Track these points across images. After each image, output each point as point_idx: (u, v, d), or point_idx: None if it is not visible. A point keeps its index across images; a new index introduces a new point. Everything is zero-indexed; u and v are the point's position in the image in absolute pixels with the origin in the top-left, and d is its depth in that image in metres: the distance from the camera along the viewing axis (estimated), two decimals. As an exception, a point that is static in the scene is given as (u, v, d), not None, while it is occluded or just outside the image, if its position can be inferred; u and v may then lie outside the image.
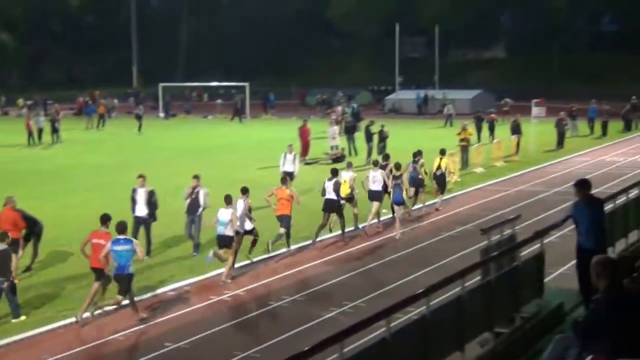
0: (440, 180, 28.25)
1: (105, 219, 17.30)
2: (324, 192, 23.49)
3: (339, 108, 57.35)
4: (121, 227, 16.54)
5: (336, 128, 43.49)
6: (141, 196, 21.50)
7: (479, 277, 12.30)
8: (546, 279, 14.55)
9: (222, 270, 19.43)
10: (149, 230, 21.68)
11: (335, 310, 16.72)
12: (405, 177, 25.33)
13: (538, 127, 43.80)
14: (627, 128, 54.31)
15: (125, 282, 16.25)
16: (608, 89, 77.85)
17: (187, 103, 79.96)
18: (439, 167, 28.25)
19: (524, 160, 40.05)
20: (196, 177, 22.27)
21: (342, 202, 23.64)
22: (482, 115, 50.42)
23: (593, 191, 14.08)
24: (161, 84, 77.16)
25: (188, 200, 21.81)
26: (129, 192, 21.95)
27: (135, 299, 16.73)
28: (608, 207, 16.12)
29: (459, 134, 38.93)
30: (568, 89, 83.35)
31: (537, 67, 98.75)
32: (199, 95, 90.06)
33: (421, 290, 9.91)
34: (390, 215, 25.66)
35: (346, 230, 23.65)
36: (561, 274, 17.77)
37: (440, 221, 25.95)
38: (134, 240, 16.92)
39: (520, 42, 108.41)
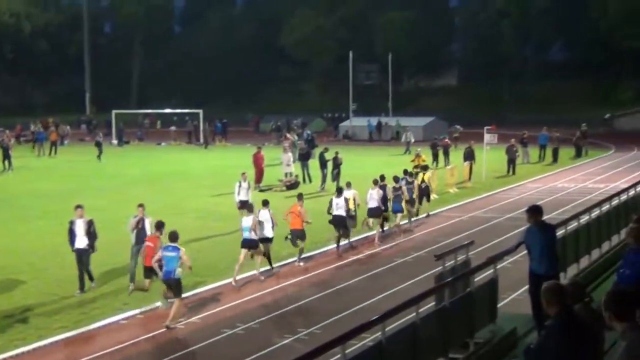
0: (425, 192, 31.13)
1: (160, 225, 19.48)
2: (330, 209, 25.79)
3: (292, 134, 57.38)
4: (173, 236, 18.37)
5: (290, 155, 43.49)
6: (80, 227, 20.68)
7: (433, 303, 12.31)
8: (499, 305, 14.60)
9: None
10: (88, 261, 20.84)
11: (289, 337, 16.63)
12: (405, 189, 28.03)
13: (490, 153, 44.20)
14: (578, 154, 55.04)
15: (175, 286, 18.02)
16: (558, 116, 79.03)
17: (140, 130, 79.52)
18: (422, 181, 31.18)
19: (477, 186, 40.36)
20: (141, 206, 21.40)
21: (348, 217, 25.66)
22: (437, 142, 51.29)
23: (545, 217, 14.19)
24: (114, 111, 76.70)
25: (134, 232, 21.02)
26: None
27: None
28: (560, 232, 16.25)
29: (413, 160, 39.22)
30: (518, 116, 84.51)
31: (488, 94, 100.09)
32: (151, 122, 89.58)
33: (376, 317, 9.87)
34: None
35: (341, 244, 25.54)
36: (514, 300, 17.87)
37: (394, 247, 25.99)
38: (181, 248, 18.21)
39: (471, 70, 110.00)
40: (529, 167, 49.27)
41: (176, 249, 18.08)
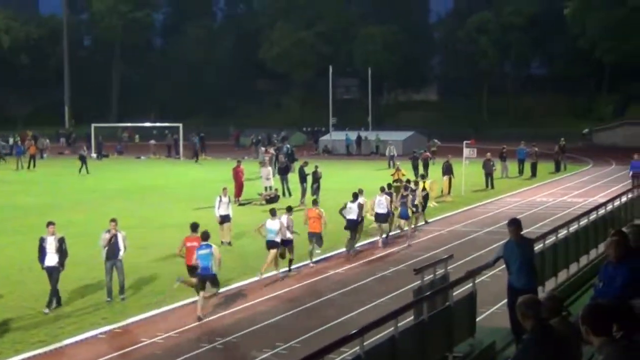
0: (425, 200, 32.80)
1: (195, 227, 21.25)
2: (343, 212, 27.50)
3: (272, 149, 57.42)
4: (205, 235, 20.21)
5: (270, 169, 43.48)
6: (51, 244, 20.34)
7: (412, 317, 12.30)
8: (478, 319, 14.60)
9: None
10: (57, 279, 20.41)
11: (268, 351, 16.57)
12: (410, 198, 29.69)
13: (469, 168, 44.36)
14: (557, 169, 55.35)
15: (212, 280, 19.84)
16: (537, 130, 79.57)
17: (119, 144, 79.29)
18: (423, 189, 33.28)
19: (456, 200, 40.48)
20: (113, 221, 21.20)
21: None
22: (417, 155, 51.59)
23: (523, 231, 14.24)
24: (93, 124, 76.44)
25: (107, 247, 20.79)
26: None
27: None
28: (538, 246, 16.29)
29: (393, 174, 39.30)
30: (498, 131, 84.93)
31: (467, 109, 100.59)
32: (130, 135, 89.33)
33: (355, 331, 9.86)
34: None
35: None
36: (493, 313, 17.90)
37: (374, 261, 25.99)
38: (213, 246, 19.96)
39: (450, 85, 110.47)
40: (508, 181, 49.47)
41: (209, 246, 19.79)
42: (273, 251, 23.27)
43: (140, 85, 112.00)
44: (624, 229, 12.18)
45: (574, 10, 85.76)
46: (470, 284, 13.88)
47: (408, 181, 33.70)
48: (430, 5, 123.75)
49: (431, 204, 37.65)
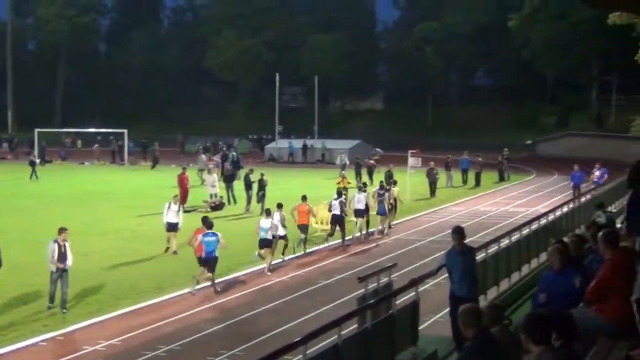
0: (394, 205, 34.00)
1: (205, 220, 23.58)
2: (330, 209, 29.99)
3: (216, 157, 57.17)
4: (208, 224, 23.06)
5: (215, 176, 43.29)
6: None
7: (355, 325, 12.31)
8: (421, 327, 14.68)
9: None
10: None
11: (212, 359, 16.47)
12: (387, 196, 32.13)
13: (413, 177, 44.60)
14: (501, 179, 55.86)
15: (212, 262, 22.38)
16: (481, 140, 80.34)
17: (63, 149, 78.32)
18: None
19: (400, 209, 40.51)
20: (64, 230, 20.57)
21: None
22: (360, 162, 51.87)
23: (467, 240, 14.36)
24: (37, 130, 75.41)
25: (55, 257, 20.09)
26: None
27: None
28: (480, 255, 16.45)
29: (338, 183, 39.29)
30: (443, 140, 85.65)
31: (413, 118, 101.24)
32: (73, 141, 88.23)
33: (298, 339, 9.84)
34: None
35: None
36: (435, 322, 18.00)
37: (318, 269, 25.97)
38: (218, 234, 22.76)
39: (396, 94, 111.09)
40: (452, 190, 49.83)
41: (215, 234, 22.68)
42: (268, 249, 25.33)
43: (85, 91, 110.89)
44: (565, 239, 12.33)
45: (519, 23, 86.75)
46: (414, 293, 13.97)
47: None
48: (377, 14, 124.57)
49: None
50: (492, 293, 17.17)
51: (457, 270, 13.78)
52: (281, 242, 26.41)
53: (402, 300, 13.93)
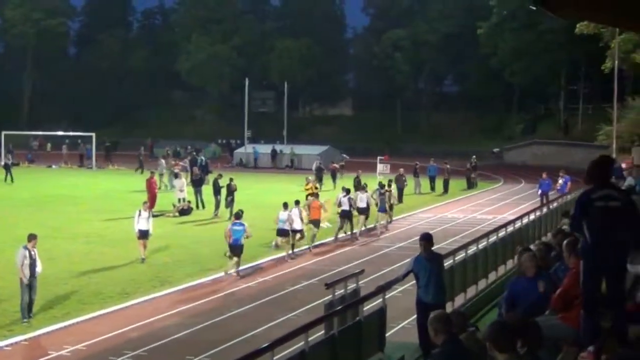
0: (392, 204, 37.07)
1: (238, 215, 26.41)
2: (339, 204, 33.03)
3: (186, 161, 56.91)
4: (237, 215, 26.46)
5: (184, 180, 43.12)
6: None
7: (322, 332, 12.31)
8: (388, 333, 14.71)
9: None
10: None
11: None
12: (387, 195, 35.39)
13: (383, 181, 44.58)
14: (469, 186, 56.02)
15: (239, 249, 25.36)
16: (449, 148, 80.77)
17: (30, 152, 77.70)
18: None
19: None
20: (34, 237, 20.21)
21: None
22: (322, 167, 51.99)
23: (434, 247, 14.39)
24: (4, 132, 74.78)
25: (25, 265, 19.66)
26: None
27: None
28: (448, 262, 16.48)
29: (306, 188, 39.23)
30: (411, 146, 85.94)
31: (381, 124, 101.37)
32: (40, 144, 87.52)
33: (265, 345, 9.82)
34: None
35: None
36: (403, 328, 18.00)
37: (285, 275, 25.93)
38: (245, 224, 25.73)
39: (365, 100, 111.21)
40: (420, 197, 49.92)
41: (242, 224, 25.64)
42: (283, 239, 28.87)
43: (53, 94, 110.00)
44: (531, 247, 12.41)
45: (487, 31, 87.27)
46: (381, 299, 13.98)
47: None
48: (346, 20, 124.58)
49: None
50: (460, 300, 17.23)
51: (425, 277, 13.80)
52: (293, 236, 29.03)
53: (369, 306, 13.95)
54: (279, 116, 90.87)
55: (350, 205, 33.08)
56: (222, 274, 25.45)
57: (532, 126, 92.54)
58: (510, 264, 20.41)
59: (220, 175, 41.32)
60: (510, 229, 22.61)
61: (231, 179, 39.28)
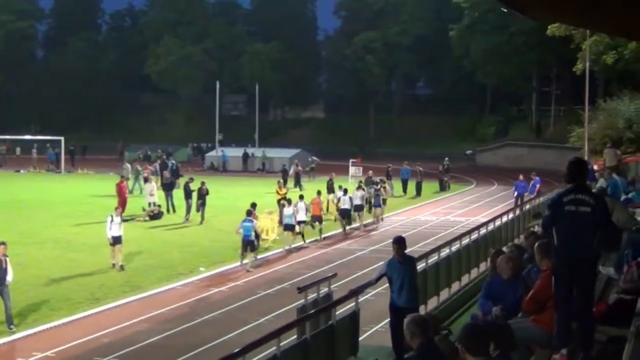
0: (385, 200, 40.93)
1: (250, 211, 28.23)
2: (340, 203, 36.42)
3: (156, 164, 56.67)
4: (248, 212, 28.08)
5: (154, 184, 42.90)
6: None
7: (295, 336, 12.28)
8: (361, 337, 14.70)
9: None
10: None
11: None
12: (383, 191, 39.63)
13: (355, 186, 44.59)
14: (442, 188, 56.14)
15: (251, 244, 27.39)
16: (422, 150, 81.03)
17: (-2, 156, 77.16)
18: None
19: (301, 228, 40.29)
20: (3, 244, 19.97)
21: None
22: (286, 169, 52.10)
23: (407, 250, 14.39)
24: (-29, 137, 74.24)
25: None
26: None
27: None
28: (420, 265, 16.52)
29: (280, 193, 39.08)
30: (384, 149, 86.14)
31: (354, 127, 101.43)
32: (8, 148, 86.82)
33: (237, 350, 9.78)
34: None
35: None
36: (376, 332, 17.98)
37: (257, 280, 25.85)
38: (254, 220, 27.97)
39: (337, 102, 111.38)
40: (393, 200, 49.91)
41: (251, 221, 27.67)
42: (289, 232, 31.16)
43: (21, 97, 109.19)
44: (504, 249, 12.46)
45: (459, 33, 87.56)
46: (354, 303, 13.98)
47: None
48: (318, 23, 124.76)
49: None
50: (433, 303, 17.27)
51: (398, 280, 13.80)
52: (301, 227, 32.09)
53: (342, 310, 13.94)
54: (251, 119, 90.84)
55: (351, 204, 35.95)
56: (245, 261, 27.59)
57: (505, 128, 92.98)
58: (483, 266, 20.49)
59: (192, 179, 41.12)
60: (483, 231, 22.71)
61: (202, 183, 39.14)
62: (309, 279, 22.20)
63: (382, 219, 39.33)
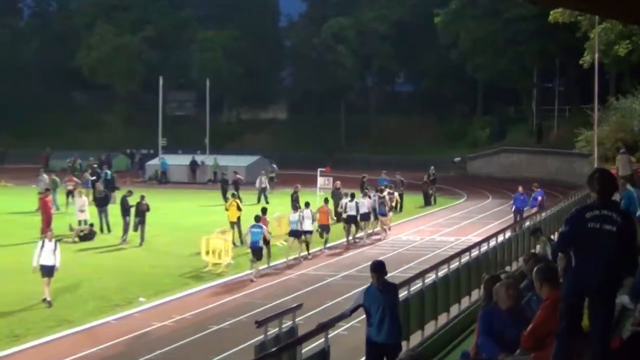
0: (394, 207, 45.63)
1: (259, 217, 31.62)
2: (345, 210, 39.25)
3: (87, 174, 56.23)
4: (256, 218, 31.33)
5: (85, 199, 42.62)
6: None
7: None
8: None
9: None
10: None
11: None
12: (387, 199, 41.98)
13: (323, 200, 44.52)
14: (426, 202, 55.97)
15: (258, 252, 30.38)
16: (404, 157, 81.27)
17: None
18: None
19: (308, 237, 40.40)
20: None
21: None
22: (226, 178, 53.27)
23: (387, 275, 14.35)
24: None
25: None
26: None
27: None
28: (403, 294, 16.46)
29: (227, 209, 38.66)
30: (359, 155, 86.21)
31: (323, 130, 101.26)
32: None
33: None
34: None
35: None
36: (349, 373, 17.97)
37: (207, 312, 25.70)
38: (263, 227, 30.95)
39: (304, 101, 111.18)
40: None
41: (260, 227, 30.70)
42: (294, 239, 34.44)
43: None
44: (502, 276, 12.43)
45: (445, 19, 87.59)
46: (323, 339, 13.90)
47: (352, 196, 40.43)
48: (280, 7, 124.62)
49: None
50: (416, 338, 17.22)
51: (377, 312, 13.77)
52: (307, 237, 35.18)
53: (309, 348, 13.87)
54: (200, 121, 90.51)
55: (357, 210, 39.18)
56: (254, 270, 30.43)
57: (500, 131, 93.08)
58: (475, 294, 20.49)
59: (130, 193, 40.87)
60: (475, 253, 22.70)
61: (142, 197, 38.87)
62: (269, 310, 22.12)
63: (389, 229, 42.40)
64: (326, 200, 40.43)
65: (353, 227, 39.80)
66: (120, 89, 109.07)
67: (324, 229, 37.86)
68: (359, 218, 39.70)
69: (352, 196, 40.45)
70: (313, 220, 36.00)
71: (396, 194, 46.96)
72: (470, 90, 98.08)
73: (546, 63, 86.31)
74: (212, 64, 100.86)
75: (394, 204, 44.92)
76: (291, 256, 34.40)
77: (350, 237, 39.42)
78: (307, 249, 35.43)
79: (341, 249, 38.20)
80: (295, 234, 34.51)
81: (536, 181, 46.07)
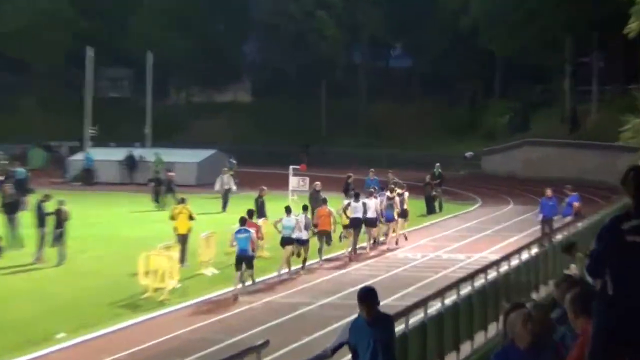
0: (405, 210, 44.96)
1: (245, 219, 33.12)
2: (346, 211, 40.44)
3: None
4: (242, 221, 32.58)
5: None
6: None
7: None
8: None
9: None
10: None
11: None
12: (397, 201, 42.74)
13: (297, 206, 44.07)
14: (429, 210, 55.74)
15: (248, 261, 31.62)
16: (401, 151, 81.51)
17: None
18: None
19: (276, 255, 40.05)
20: None
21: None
22: (161, 177, 55.92)
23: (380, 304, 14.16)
24: None
25: None
26: None
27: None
28: (399, 327, 16.33)
29: (173, 217, 38.16)
30: (342, 149, 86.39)
31: (298, 117, 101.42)
32: None
33: None
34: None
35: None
36: None
37: (146, 351, 25.42)
38: (251, 230, 32.06)
39: (272, 82, 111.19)
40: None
41: (247, 231, 31.78)
42: (289, 248, 34.91)
43: None
44: (527, 305, 12.18)
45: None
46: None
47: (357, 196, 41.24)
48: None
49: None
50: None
51: (367, 350, 13.73)
52: (304, 248, 36.16)
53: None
54: (140, 105, 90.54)
55: (365, 212, 40.44)
56: (239, 286, 31.69)
57: (523, 119, 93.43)
58: (492, 328, 20.38)
59: (47, 197, 40.61)
60: (492, 274, 22.58)
61: (60, 203, 38.61)
62: (228, 348, 21.95)
63: (404, 236, 44.27)
64: (325, 200, 40.65)
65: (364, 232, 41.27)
66: (39, 65, 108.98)
67: (325, 236, 38.79)
68: (366, 223, 40.81)
69: (357, 196, 41.44)
70: (308, 228, 36.32)
71: (406, 195, 46.40)
72: (485, 66, 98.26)
73: (582, 33, 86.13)
74: (156, 33, 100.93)
75: (405, 206, 44.87)
76: (281, 270, 35.01)
77: (350, 248, 39.87)
78: (304, 262, 36.43)
79: (342, 261, 38.83)
80: (288, 241, 35.02)
81: (569, 182, 46.10)
